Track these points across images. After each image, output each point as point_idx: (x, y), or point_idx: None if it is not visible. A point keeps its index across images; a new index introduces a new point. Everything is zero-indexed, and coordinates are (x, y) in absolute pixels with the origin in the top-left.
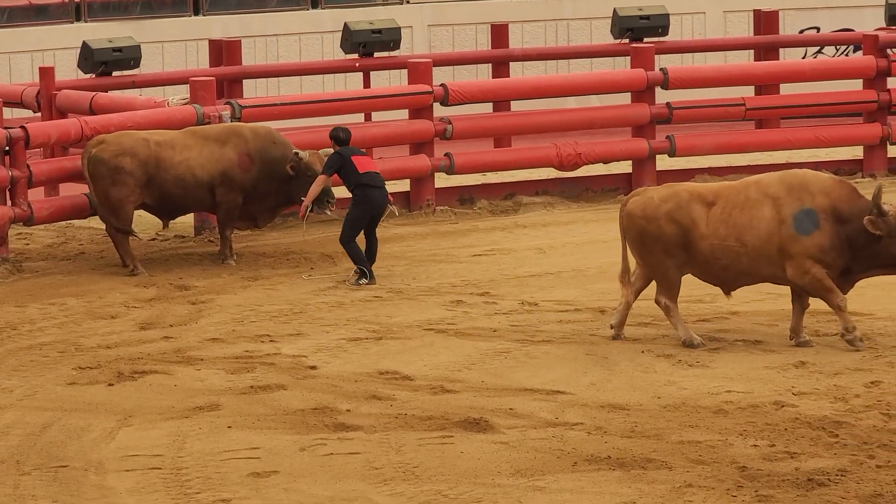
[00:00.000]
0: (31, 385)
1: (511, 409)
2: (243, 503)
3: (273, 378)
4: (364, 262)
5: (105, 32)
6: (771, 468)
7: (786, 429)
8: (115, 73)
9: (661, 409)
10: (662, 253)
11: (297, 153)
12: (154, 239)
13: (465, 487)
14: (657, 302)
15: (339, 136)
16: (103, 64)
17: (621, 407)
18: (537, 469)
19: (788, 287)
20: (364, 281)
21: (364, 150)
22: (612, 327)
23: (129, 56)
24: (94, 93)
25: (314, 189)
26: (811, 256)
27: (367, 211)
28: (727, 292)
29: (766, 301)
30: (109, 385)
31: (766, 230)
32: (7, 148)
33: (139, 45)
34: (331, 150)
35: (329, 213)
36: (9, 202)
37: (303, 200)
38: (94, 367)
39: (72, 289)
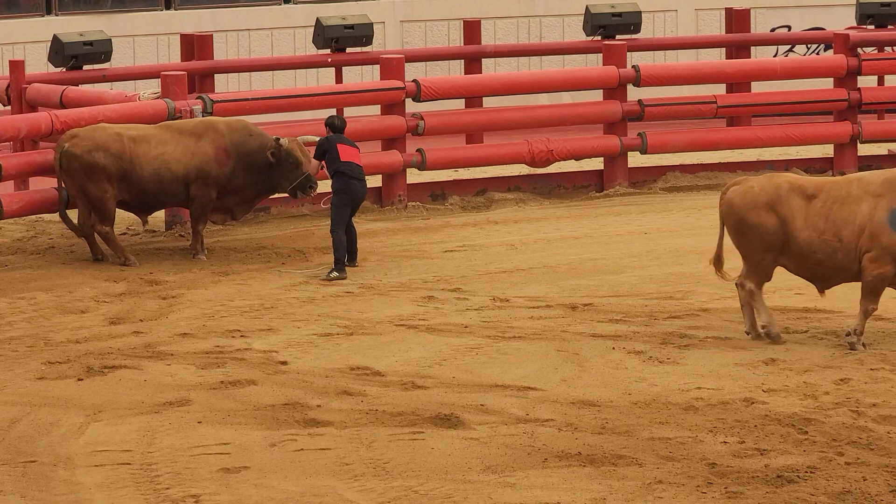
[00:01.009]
0: None
1: (482, 405)
2: (213, 499)
3: (243, 373)
4: (343, 257)
5: (76, 26)
6: (740, 465)
7: (755, 426)
8: (85, 67)
9: (631, 405)
10: (759, 242)
11: (277, 139)
12: (125, 234)
13: (436, 483)
14: (740, 285)
15: (335, 124)
16: (74, 58)
17: (592, 403)
18: (508, 465)
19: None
20: (335, 275)
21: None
22: (747, 333)
23: (99, 50)
24: (65, 86)
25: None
26: (894, 255)
27: (347, 199)
28: (821, 290)
29: (736, 298)
30: (79, 380)
31: (860, 225)
32: None
33: (110, 39)
34: (309, 138)
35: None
36: None
37: (284, 187)
38: (64, 361)
39: (41, 283)
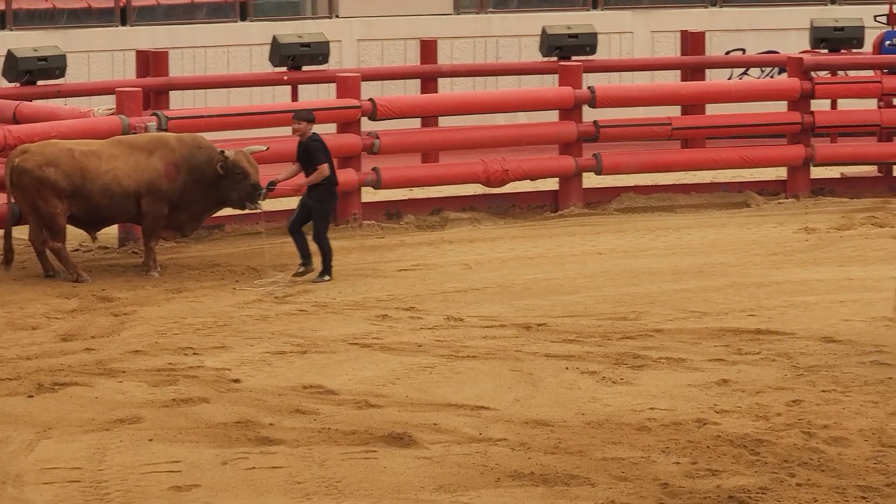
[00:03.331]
0: None
1: (435, 424)
2: None
3: (196, 391)
4: (330, 262)
5: (30, 41)
6: (693, 485)
7: (708, 446)
8: (40, 83)
9: (584, 425)
10: None
11: (223, 152)
12: (77, 250)
13: (389, 502)
14: None
15: (314, 118)
16: (28, 73)
17: (545, 423)
18: (461, 484)
19: (709, 306)
20: (327, 278)
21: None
22: None
23: (54, 65)
24: (19, 102)
25: (316, 175)
26: None
27: (333, 207)
28: None
29: (690, 319)
30: (29, 396)
31: None
32: None
33: (65, 55)
34: (256, 148)
35: (260, 209)
36: None
37: (233, 199)
38: (14, 378)
39: None
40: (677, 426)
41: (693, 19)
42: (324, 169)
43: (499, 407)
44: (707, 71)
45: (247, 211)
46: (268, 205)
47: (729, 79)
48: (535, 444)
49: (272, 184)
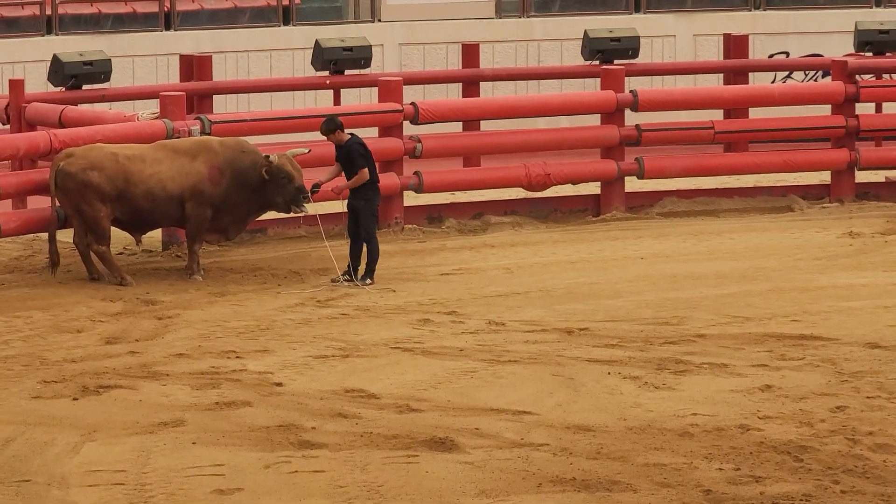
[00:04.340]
0: None
1: (477, 428)
2: None
3: (238, 394)
4: (375, 264)
5: (76, 46)
6: (736, 492)
7: (751, 452)
8: (85, 87)
9: (626, 430)
10: None
11: (267, 157)
12: (121, 253)
13: None
14: None
15: (338, 123)
16: (73, 77)
17: (587, 428)
18: (502, 489)
19: (752, 311)
20: (369, 282)
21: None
22: None
23: (99, 70)
24: (64, 106)
25: (356, 180)
26: None
27: (377, 205)
28: None
29: (733, 324)
30: (74, 399)
31: None
32: None
33: (110, 59)
34: (298, 151)
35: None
36: None
37: (277, 203)
38: (59, 380)
39: (38, 302)
40: (720, 432)
41: (736, 22)
42: (364, 174)
43: (540, 412)
44: (750, 74)
45: (291, 214)
46: (312, 207)
47: (772, 82)
48: (577, 449)
49: (316, 186)
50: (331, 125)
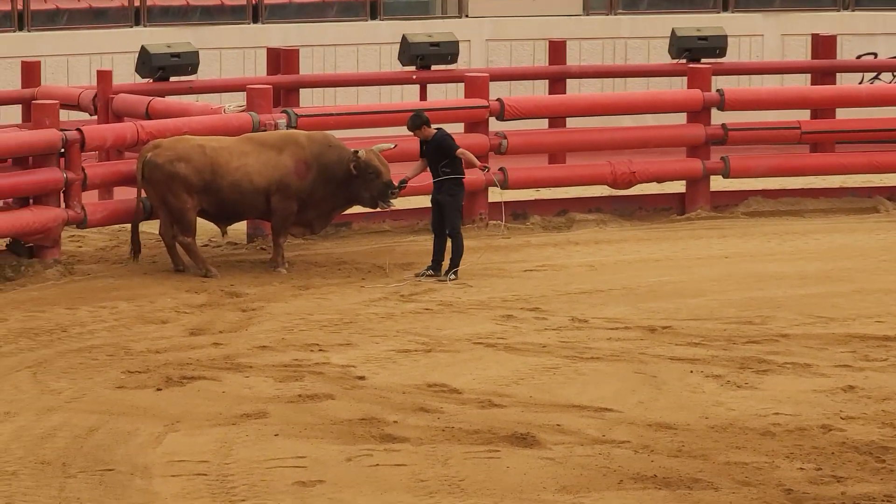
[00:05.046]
0: (79, 387)
1: (558, 425)
2: None
3: (321, 387)
4: (459, 260)
5: (164, 37)
6: (817, 492)
7: (833, 453)
8: (172, 79)
9: (708, 429)
10: None
11: (356, 152)
12: (206, 245)
13: (511, 502)
14: None
15: (423, 118)
16: (161, 69)
17: (668, 426)
18: (583, 486)
19: (835, 312)
20: (453, 277)
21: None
22: None
23: (186, 62)
24: (151, 97)
25: (470, 159)
26: None
27: (462, 200)
28: None
29: (816, 325)
30: (157, 390)
31: None
32: (62, 150)
33: (197, 51)
34: (384, 146)
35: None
36: (63, 204)
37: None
38: (143, 371)
39: (123, 292)
40: (802, 432)
41: (824, 22)
42: (467, 153)
43: (622, 409)
44: (838, 75)
45: (378, 209)
46: (399, 203)
47: (860, 83)
48: (659, 446)
49: (404, 182)
50: (417, 121)
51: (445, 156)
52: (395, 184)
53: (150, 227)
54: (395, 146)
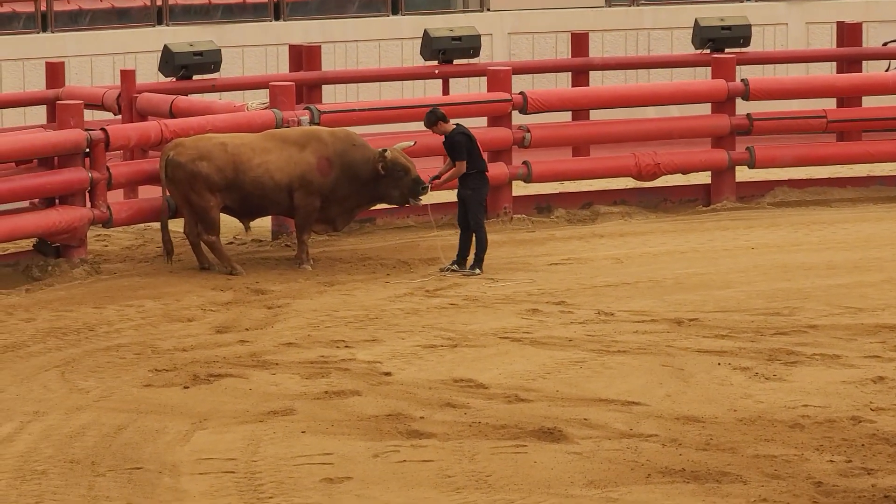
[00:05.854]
0: (107, 386)
1: (585, 419)
2: None
3: (347, 384)
4: (483, 254)
5: (186, 36)
6: (847, 484)
7: (863, 444)
8: (195, 77)
9: (736, 422)
10: None
11: (383, 151)
12: (231, 242)
13: (538, 497)
14: None
15: (440, 115)
16: (184, 67)
17: (696, 419)
18: (611, 480)
19: (864, 302)
20: (478, 272)
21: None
22: None
23: (209, 60)
24: (175, 96)
25: (453, 173)
26: None
27: (486, 194)
28: None
29: (845, 315)
30: (185, 388)
31: None
32: (87, 150)
33: (220, 50)
34: (404, 144)
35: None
36: (88, 204)
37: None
38: (170, 369)
39: (149, 291)
40: (831, 424)
41: (849, 10)
42: (460, 167)
43: (650, 402)
44: (864, 63)
45: (409, 206)
46: (427, 198)
47: (886, 70)
48: (687, 440)
49: (436, 178)
50: (431, 118)
51: (453, 157)
52: (427, 180)
53: (176, 226)
54: (415, 143)
